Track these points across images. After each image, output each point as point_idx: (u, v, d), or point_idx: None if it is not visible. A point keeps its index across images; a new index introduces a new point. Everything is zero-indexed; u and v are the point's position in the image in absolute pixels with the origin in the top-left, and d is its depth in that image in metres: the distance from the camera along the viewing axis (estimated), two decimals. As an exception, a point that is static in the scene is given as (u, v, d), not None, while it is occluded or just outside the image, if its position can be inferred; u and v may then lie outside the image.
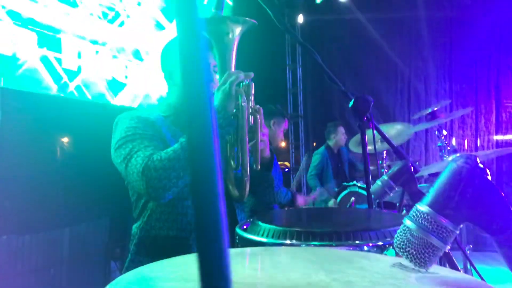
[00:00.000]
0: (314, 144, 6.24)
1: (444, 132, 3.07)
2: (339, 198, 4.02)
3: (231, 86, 1.27)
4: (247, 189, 1.34)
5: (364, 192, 3.73)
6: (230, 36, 1.33)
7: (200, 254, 0.23)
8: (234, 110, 1.30)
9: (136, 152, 1.26)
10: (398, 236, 0.65)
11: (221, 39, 1.32)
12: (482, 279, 0.94)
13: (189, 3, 0.24)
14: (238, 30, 1.34)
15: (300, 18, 6.27)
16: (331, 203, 4.05)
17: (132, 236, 1.41)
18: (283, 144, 6.51)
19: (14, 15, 2.66)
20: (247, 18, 1.36)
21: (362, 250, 0.92)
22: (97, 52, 3.33)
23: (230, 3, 4.89)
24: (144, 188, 1.22)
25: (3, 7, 2.59)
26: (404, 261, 0.66)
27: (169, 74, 1.52)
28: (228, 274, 0.23)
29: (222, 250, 0.23)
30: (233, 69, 1.36)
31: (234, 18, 1.37)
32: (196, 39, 0.24)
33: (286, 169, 6.61)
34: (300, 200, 2.97)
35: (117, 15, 3.56)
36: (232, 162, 1.35)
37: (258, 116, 1.33)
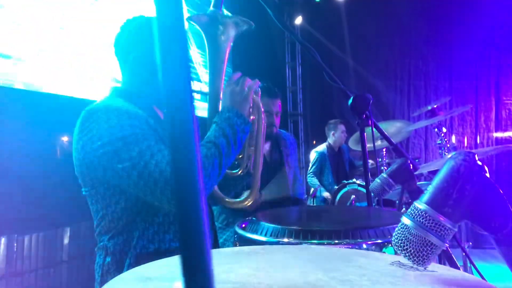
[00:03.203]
0: (314, 142, 6.24)
1: (444, 130, 3.07)
2: (338, 195, 4.02)
3: (250, 92, 1.26)
4: (256, 194, 1.31)
5: (364, 190, 3.73)
6: (225, 35, 1.30)
7: (183, 255, 0.23)
8: (252, 117, 1.30)
9: (152, 156, 1.08)
10: (396, 234, 0.65)
11: (214, 37, 1.29)
12: (481, 276, 0.94)
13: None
14: (233, 29, 1.32)
15: (300, 17, 6.27)
16: (325, 194, 4.05)
17: (114, 255, 1.20)
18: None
19: (13, 14, 2.66)
20: (244, 18, 1.33)
21: (361, 248, 0.92)
22: (96, 50, 3.33)
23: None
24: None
25: (1, 6, 2.58)
26: (403, 259, 0.66)
27: (129, 60, 1.32)
28: (211, 273, 0.23)
29: (204, 250, 0.23)
30: (224, 68, 1.34)
31: (230, 17, 1.35)
32: (179, 30, 0.24)
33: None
34: None
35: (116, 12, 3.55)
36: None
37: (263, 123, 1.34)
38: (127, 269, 1.15)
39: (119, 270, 1.19)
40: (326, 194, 4.08)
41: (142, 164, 1.07)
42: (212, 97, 1.31)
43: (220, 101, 1.30)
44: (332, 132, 4.51)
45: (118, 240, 1.20)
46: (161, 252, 1.19)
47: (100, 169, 1.14)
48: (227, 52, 1.33)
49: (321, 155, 4.39)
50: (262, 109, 1.31)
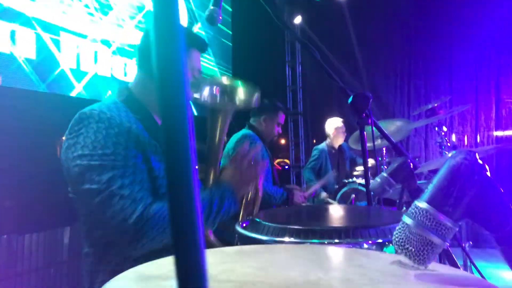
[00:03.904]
0: (314, 141, 6.24)
1: (444, 128, 3.07)
2: (339, 195, 4.01)
3: (253, 179, 1.30)
4: None
5: (364, 189, 3.72)
6: (227, 109, 1.31)
7: (176, 254, 0.23)
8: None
9: (120, 188, 1.06)
10: (397, 233, 0.65)
11: (215, 110, 1.30)
12: (481, 276, 0.94)
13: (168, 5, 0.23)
14: (235, 105, 1.33)
15: (299, 16, 6.26)
16: (323, 195, 4.04)
17: (96, 264, 1.18)
18: (283, 141, 6.51)
19: (12, 13, 2.65)
20: (250, 90, 1.32)
21: (361, 247, 0.92)
22: (96, 50, 3.32)
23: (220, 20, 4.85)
24: (128, 237, 1.05)
25: (1, 5, 2.58)
26: (404, 258, 0.66)
27: (148, 63, 1.30)
28: (205, 273, 0.23)
29: (198, 250, 0.23)
30: (224, 136, 1.34)
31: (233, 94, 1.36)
32: (175, 44, 0.23)
33: (286, 166, 6.61)
34: (298, 198, 2.96)
35: (117, 13, 3.55)
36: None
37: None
38: (102, 281, 1.13)
39: (103, 277, 1.16)
40: (324, 195, 4.06)
41: (107, 193, 1.05)
42: (210, 161, 1.33)
43: (220, 166, 1.33)
44: (332, 131, 4.50)
45: (98, 249, 1.17)
46: (151, 251, 1.16)
47: (73, 178, 1.12)
48: (227, 123, 1.35)
49: (321, 152, 4.39)
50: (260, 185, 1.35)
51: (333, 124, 4.50)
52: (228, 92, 1.30)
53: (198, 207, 0.23)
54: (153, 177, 1.17)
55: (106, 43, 3.43)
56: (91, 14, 3.27)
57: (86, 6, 3.23)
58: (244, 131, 3.03)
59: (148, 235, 1.05)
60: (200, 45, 1.39)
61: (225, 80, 1.49)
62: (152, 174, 1.16)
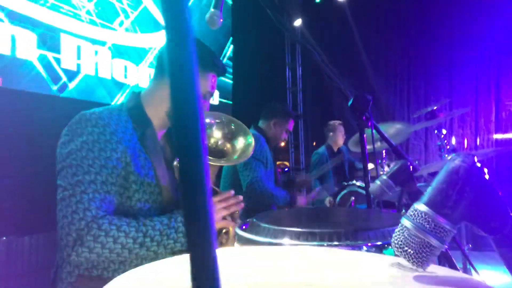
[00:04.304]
0: (314, 143, 6.24)
1: (444, 131, 3.07)
2: (338, 197, 4.01)
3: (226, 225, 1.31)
4: None
5: (364, 192, 3.72)
6: None
7: (192, 255, 0.24)
8: None
9: (82, 193, 1.11)
10: (396, 236, 0.65)
11: None
12: (480, 278, 0.94)
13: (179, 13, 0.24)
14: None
15: (299, 19, 6.27)
16: (326, 201, 4.03)
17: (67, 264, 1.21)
18: (282, 143, 6.51)
19: (13, 15, 2.66)
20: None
21: (360, 249, 0.92)
22: (96, 52, 3.33)
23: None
24: (71, 240, 1.09)
25: (2, 7, 2.59)
26: (402, 260, 0.66)
27: (163, 78, 1.34)
28: (218, 274, 0.24)
29: (212, 251, 0.24)
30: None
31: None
32: (187, 58, 0.24)
33: (286, 169, 6.61)
34: (301, 201, 2.96)
35: (117, 14, 3.56)
36: None
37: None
38: (64, 278, 1.19)
39: (65, 276, 1.19)
40: (328, 200, 4.05)
41: (69, 193, 1.11)
42: None
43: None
44: (331, 133, 4.51)
45: (69, 252, 1.16)
46: (103, 279, 1.17)
47: (57, 171, 1.18)
48: (213, 180, 1.40)
49: (321, 156, 4.39)
50: (234, 234, 1.32)
51: (333, 127, 4.50)
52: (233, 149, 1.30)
53: (211, 208, 0.24)
54: (133, 190, 1.21)
55: (105, 44, 3.44)
56: (92, 22, 3.28)
57: (88, 13, 3.23)
58: (251, 130, 3.02)
59: (88, 245, 1.09)
60: (218, 69, 1.42)
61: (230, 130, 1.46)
62: (131, 188, 1.20)
